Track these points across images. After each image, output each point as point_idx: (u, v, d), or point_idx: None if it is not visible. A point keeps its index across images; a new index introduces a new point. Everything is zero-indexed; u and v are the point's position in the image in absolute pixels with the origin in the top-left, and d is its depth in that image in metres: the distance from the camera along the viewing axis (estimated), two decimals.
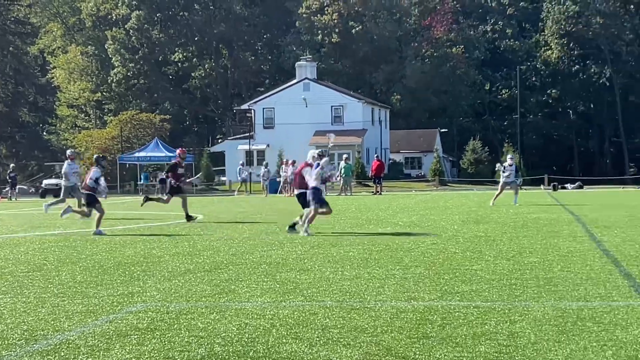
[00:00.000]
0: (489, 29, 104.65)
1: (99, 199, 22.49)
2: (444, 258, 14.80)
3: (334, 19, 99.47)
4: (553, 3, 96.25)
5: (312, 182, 20.40)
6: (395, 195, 52.54)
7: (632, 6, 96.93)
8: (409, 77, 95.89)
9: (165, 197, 26.98)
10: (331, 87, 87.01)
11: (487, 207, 32.18)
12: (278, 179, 57.53)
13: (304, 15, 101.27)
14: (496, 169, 36.99)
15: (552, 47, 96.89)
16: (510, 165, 34.31)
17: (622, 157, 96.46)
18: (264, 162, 60.50)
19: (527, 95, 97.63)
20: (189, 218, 25.17)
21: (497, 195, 33.97)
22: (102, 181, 22.50)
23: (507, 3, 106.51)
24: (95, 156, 25.06)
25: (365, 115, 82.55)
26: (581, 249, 16.05)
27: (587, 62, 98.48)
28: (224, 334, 8.26)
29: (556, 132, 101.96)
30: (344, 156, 58.09)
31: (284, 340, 7.94)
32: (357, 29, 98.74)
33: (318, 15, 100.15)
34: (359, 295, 10.66)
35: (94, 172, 22.47)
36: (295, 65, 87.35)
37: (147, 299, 10.63)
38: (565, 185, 67.80)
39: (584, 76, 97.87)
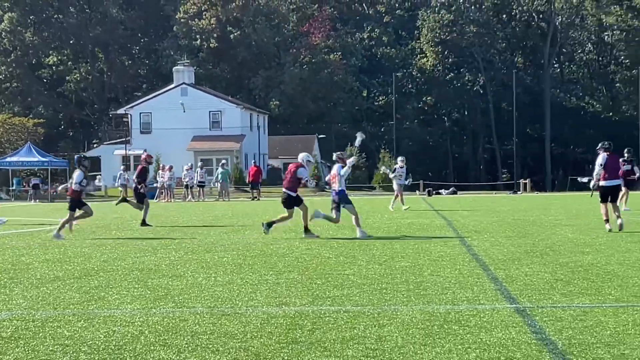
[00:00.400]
0: (366, 36, 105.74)
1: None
2: (317, 263, 14.89)
3: (212, 24, 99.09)
4: (428, 12, 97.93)
5: (337, 185, 20.91)
6: (273, 201, 52.65)
7: (504, 15, 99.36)
8: (287, 83, 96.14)
9: (137, 204, 26.70)
10: (209, 92, 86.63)
11: (364, 212, 32.45)
12: (155, 185, 56.60)
13: (182, 20, 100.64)
14: (380, 171, 37.39)
15: (428, 54, 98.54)
16: (402, 168, 34.92)
17: (495, 163, 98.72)
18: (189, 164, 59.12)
19: (404, 101, 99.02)
20: (144, 223, 25.38)
21: (396, 199, 34.50)
22: (84, 181, 22.11)
23: (383, 11, 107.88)
24: (76, 157, 24.02)
25: (243, 121, 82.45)
26: (451, 253, 16.36)
27: (462, 69, 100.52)
28: (90, 342, 8.13)
29: (432, 138, 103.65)
30: (222, 162, 58.03)
31: (152, 348, 7.87)
32: (235, 34, 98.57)
33: (196, 20, 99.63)
34: (231, 301, 10.65)
35: (78, 175, 21.92)
36: (173, 69, 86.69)
37: (13, 307, 10.41)
38: (440, 191, 69.01)
39: (459, 84, 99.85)
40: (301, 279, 12.77)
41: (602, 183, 20.82)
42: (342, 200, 20.87)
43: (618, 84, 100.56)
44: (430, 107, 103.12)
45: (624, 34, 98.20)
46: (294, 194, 20.50)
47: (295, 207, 20.40)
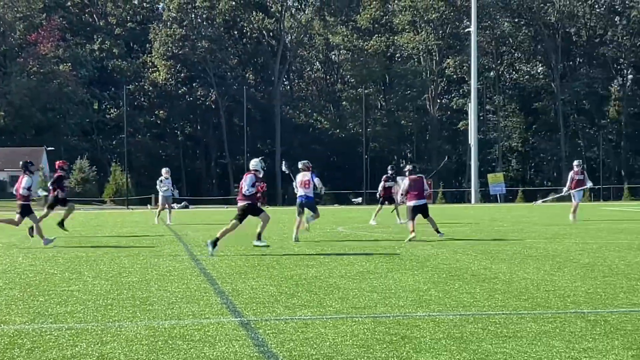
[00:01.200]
0: (96, 48, 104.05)
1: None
2: (41, 279, 14.51)
3: None
4: (160, 25, 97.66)
5: (310, 191, 21.84)
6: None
7: (236, 32, 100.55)
8: (14, 93, 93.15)
9: (45, 211, 25.55)
10: None
11: (91, 227, 31.89)
12: None
13: None
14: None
15: (160, 68, 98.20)
16: (167, 179, 34.53)
17: (228, 177, 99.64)
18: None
19: (136, 115, 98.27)
20: (61, 225, 25.69)
21: (161, 211, 34.29)
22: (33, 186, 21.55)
23: (115, 23, 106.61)
24: (22, 162, 22.40)
25: None
26: (180, 268, 16.39)
27: (194, 84, 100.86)
28: None
29: (164, 152, 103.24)
30: None
31: None
32: None
33: None
34: None
35: (25, 180, 21.17)
36: None
37: None
38: (172, 205, 68.78)
39: (191, 98, 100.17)
40: (22, 296, 12.39)
41: (410, 203, 22.99)
42: (309, 205, 22.01)
43: (344, 102, 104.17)
44: (162, 121, 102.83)
45: (350, 53, 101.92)
46: (253, 202, 20.08)
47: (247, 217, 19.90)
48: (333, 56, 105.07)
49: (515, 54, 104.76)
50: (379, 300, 11.68)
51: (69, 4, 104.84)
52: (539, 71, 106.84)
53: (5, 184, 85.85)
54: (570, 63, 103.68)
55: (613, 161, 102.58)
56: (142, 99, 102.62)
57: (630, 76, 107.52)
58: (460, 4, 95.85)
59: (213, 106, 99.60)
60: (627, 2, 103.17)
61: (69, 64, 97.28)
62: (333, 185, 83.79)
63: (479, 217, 41.00)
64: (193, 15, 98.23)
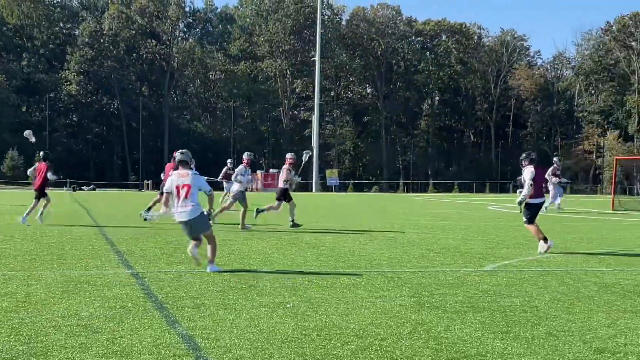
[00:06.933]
0: (24, 64, 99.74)
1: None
2: None
3: None
4: (75, 48, 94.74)
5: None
6: None
7: (134, 54, 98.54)
8: None
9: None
10: None
11: (21, 206, 31.17)
12: None
13: None
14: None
15: (73, 82, 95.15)
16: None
17: (126, 167, 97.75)
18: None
19: (55, 117, 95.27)
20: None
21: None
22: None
23: (39, 44, 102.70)
24: (42, 153, 20.20)
25: None
26: (88, 233, 16.43)
27: (100, 94, 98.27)
28: None
29: (77, 147, 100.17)
30: None
31: None
32: None
33: None
34: None
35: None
36: None
37: None
38: (82, 188, 67.55)
39: (97, 105, 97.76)
40: None
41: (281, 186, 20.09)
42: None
43: (218, 112, 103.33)
44: (76, 122, 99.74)
45: (223, 74, 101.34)
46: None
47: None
48: (210, 75, 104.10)
49: (350, 78, 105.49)
50: (235, 259, 11.95)
51: (4, 29, 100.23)
52: (367, 92, 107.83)
53: None
54: (392, 86, 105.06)
55: (422, 163, 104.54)
56: (60, 105, 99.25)
57: (436, 98, 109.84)
58: (308, 39, 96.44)
59: (116, 112, 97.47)
60: (435, 41, 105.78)
61: (4, 75, 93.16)
62: (208, 176, 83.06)
63: (321, 203, 41.57)
64: (102, 40, 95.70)
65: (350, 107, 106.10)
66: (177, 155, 10.94)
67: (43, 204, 19.74)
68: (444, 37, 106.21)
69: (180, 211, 10.40)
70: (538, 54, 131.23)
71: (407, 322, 6.98)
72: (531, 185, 13.54)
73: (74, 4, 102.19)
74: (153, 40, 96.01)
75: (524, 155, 14.20)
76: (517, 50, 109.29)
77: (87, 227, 18.51)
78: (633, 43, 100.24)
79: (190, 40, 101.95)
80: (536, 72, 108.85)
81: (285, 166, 19.82)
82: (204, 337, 6.22)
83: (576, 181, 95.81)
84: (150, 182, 75.31)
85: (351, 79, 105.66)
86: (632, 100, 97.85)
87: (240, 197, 19.07)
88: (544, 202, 14.30)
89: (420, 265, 11.55)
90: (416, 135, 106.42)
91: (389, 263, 11.79)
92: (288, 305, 7.76)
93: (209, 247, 10.55)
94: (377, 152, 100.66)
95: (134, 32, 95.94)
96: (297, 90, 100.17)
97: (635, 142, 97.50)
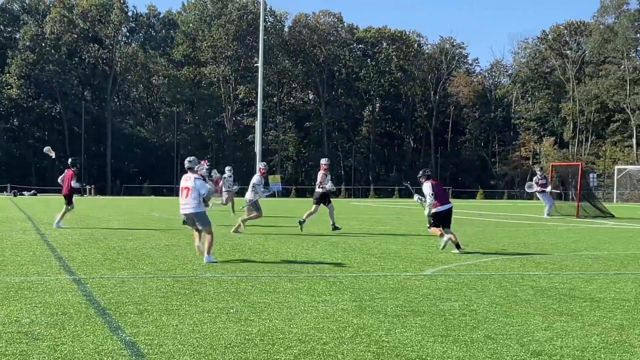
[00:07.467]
0: None
1: None
2: None
3: None
4: (16, 51, 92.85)
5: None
6: None
7: (77, 59, 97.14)
8: None
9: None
10: None
11: None
12: None
13: None
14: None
15: (14, 86, 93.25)
16: (230, 177, 32.32)
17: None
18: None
19: None
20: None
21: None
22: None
23: None
24: (70, 160, 20.91)
25: None
26: (28, 240, 16.15)
27: (42, 99, 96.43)
28: None
29: (18, 151, 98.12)
30: None
31: None
32: None
33: None
34: None
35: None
36: None
37: None
38: (23, 193, 66.34)
39: (39, 110, 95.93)
40: None
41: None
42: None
43: (161, 117, 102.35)
44: (17, 127, 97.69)
45: (166, 79, 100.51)
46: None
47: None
48: (153, 80, 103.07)
49: (293, 85, 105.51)
50: (178, 265, 11.92)
51: None
52: (310, 98, 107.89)
53: None
54: (333, 93, 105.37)
55: (363, 168, 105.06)
56: (0, 109, 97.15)
57: (377, 104, 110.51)
58: (251, 45, 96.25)
59: (58, 116, 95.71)
60: (376, 49, 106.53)
61: None
62: (151, 180, 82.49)
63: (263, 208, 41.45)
64: (43, 44, 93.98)
65: (293, 113, 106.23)
66: (185, 163, 12.86)
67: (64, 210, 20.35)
68: (384, 45, 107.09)
69: (184, 207, 12.67)
70: (476, 61, 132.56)
71: (349, 326, 7.03)
72: (432, 196, 14.87)
73: (14, 7, 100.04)
74: (95, 45, 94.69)
75: (420, 172, 15.54)
76: (456, 58, 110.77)
77: (28, 233, 18.18)
78: (568, 52, 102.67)
79: (133, 44, 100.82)
80: (474, 80, 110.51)
81: (321, 171, 20.42)
82: (147, 343, 6.17)
83: (513, 187, 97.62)
84: (93, 187, 74.23)
85: (294, 85, 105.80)
86: (567, 108, 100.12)
87: (255, 206, 19.75)
88: (451, 207, 15.25)
89: (361, 270, 11.63)
90: (357, 141, 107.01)
91: (331, 268, 11.85)
92: (231, 311, 7.74)
93: (205, 241, 12.49)
94: (320, 157, 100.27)
95: (76, 36, 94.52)
96: (240, 96, 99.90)
97: (570, 148, 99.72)
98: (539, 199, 31.34)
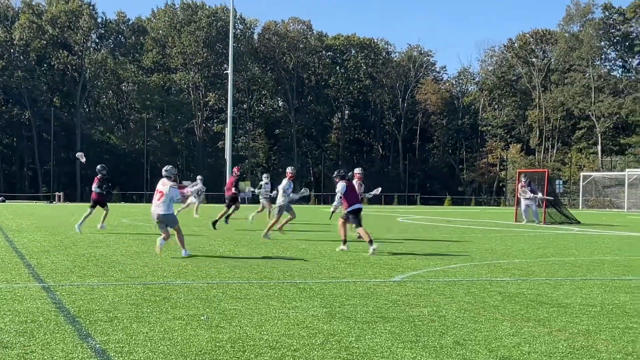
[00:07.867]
0: None
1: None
2: None
3: None
4: None
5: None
6: None
7: (45, 65, 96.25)
8: None
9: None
10: None
11: None
12: None
13: None
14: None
15: None
16: (267, 184, 31.69)
17: (37, 179, 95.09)
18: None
19: None
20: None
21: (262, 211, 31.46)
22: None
23: None
24: (98, 167, 21.74)
25: None
26: None
27: (11, 105, 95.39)
28: None
29: None
30: None
31: None
32: None
33: None
34: None
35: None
36: None
37: None
38: None
39: (7, 116, 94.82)
40: None
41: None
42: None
43: (131, 124, 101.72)
44: None
45: (136, 85, 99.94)
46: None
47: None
48: (123, 87, 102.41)
49: (262, 91, 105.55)
50: (149, 272, 11.83)
51: None
52: (279, 105, 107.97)
53: None
54: (303, 100, 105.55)
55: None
56: None
57: (346, 112, 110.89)
58: (221, 52, 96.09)
59: (27, 122, 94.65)
60: (344, 56, 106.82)
61: None
62: (121, 187, 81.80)
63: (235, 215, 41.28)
64: (12, 50, 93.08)
65: (263, 120, 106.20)
66: (163, 171, 14.23)
67: (86, 213, 21.44)
68: (353, 52, 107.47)
69: (155, 208, 14.26)
70: (444, 69, 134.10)
71: (319, 332, 7.03)
72: (341, 197, 15.75)
73: None
74: (65, 51, 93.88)
75: (335, 172, 16.34)
76: (424, 65, 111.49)
77: None
78: (534, 59, 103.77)
79: (102, 51, 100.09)
80: (442, 87, 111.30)
81: (356, 180, 20.45)
82: (117, 351, 6.13)
83: (480, 194, 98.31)
84: (62, 194, 73.48)
85: (263, 92, 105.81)
86: (533, 115, 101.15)
87: (287, 208, 20.16)
88: (360, 208, 16.02)
89: (331, 276, 11.63)
90: (327, 148, 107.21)
91: (301, 274, 11.83)
92: (202, 318, 7.71)
93: (177, 238, 14.24)
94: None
95: (45, 42, 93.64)
96: (210, 102, 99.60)
97: (536, 155, 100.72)
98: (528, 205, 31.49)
